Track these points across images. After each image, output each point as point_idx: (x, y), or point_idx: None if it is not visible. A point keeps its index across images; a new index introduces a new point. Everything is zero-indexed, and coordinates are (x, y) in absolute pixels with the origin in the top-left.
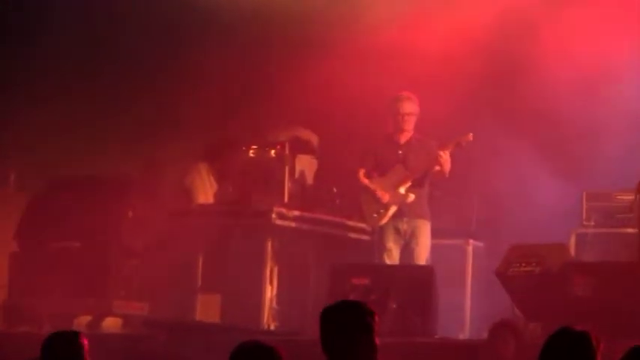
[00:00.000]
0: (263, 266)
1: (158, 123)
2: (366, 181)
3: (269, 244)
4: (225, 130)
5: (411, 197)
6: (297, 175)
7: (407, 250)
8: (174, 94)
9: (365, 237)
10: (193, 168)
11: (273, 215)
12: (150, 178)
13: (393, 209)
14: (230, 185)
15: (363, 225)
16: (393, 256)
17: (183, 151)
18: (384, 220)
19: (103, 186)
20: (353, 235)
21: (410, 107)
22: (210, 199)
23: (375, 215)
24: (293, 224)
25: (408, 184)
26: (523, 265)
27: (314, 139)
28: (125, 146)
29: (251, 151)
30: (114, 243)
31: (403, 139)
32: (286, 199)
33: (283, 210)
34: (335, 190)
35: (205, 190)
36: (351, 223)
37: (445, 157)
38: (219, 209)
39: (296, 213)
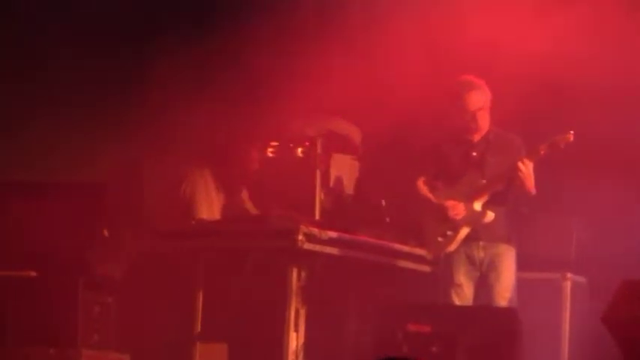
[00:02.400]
0: (286, 306)
1: (144, 111)
2: (427, 192)
3: (294, 276)
4: (235, 123)
5: (490, 216)
6: (332, 182)
7: (483, 285)
8: (164, 77)
9: (425, 268)
10: (194, 172)
11: (300, 237)
12: (132, 186)
13: (465, 231)
14: (242, 196)
15: (422, 252)
16: (464, 293)
17: (178, 149)
18: (453, 246)
19: (68, 194)
20: (409, 265)
21: (479, 100)
22: (216, 215)
23: (441, 239)
24: (327, 249)
25: (486, 197)
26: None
27: (355, 134)
28: (98, 142)
29: (270, 150)
30: (83, 272)
31: (477, 135)
32: (317, 216)
33: (314, 230)
34: (384, 203)
35: (210, 202)
36: (406, 248)
37: (526, 170)
38: (227, 228)
39: (331, 234)
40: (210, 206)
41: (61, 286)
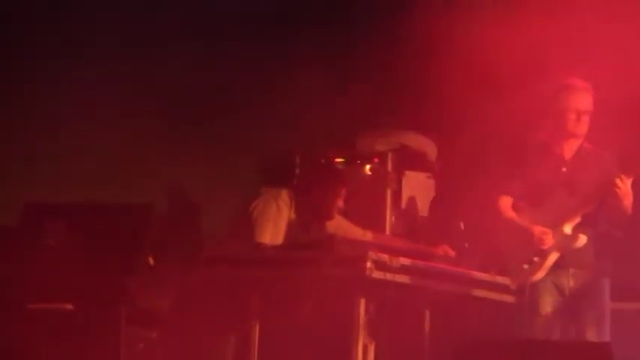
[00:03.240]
0: (352, 341)
1: (202, 121)
2: (512, 214)
3: (361, 308)
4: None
5: (582, 239)
6: (404, 203)
7: (573, 317)
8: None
9: (508, 298)
10: (269, 191)
11: (369, 264)
12: (185, 210)
13: (553, 257)
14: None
15: (505, 280)
16: (550, 326)
17: (240, 167)
18: (540, 274)
19: (109, 216)
20: (489, 295)
21: (586, 102)
22: (279, 240)
23: (526, 266)
24: (398, 278)
25: (577, 219)
26: None
27: (431, 150)
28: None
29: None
30: (125, 304)
31: (569, 150)
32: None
33: (384, 257)
34: (462, 226)
35: (279, 225)
36: (486, 276)
37: (625, 188)
38: (287, 255)
39: (403, 261)
40: (278, 230)
41: (101, 320)
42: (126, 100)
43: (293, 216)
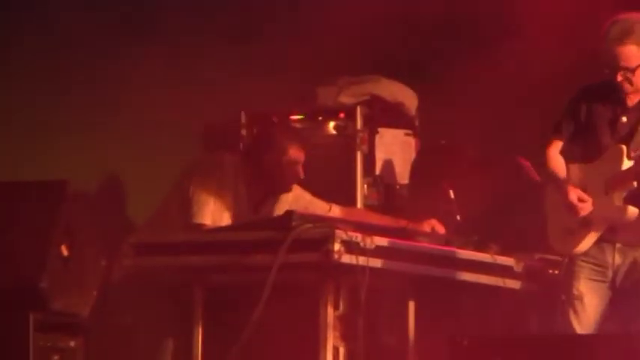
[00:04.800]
0: (319, 343)
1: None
2: (559, 165)
3: (329, 302)
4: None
5: (632, 213)
6: (378, 168)
7: (618, 302)
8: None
9: (511, 283)
10: (209, 161)
11: (336, 246)
12: (103, 184)
13: (600, 228)
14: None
15: (507, 261)
16: (585, 309)
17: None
18: (584, 246)
19: (11, 199)
20: (489, 281)
21: None
22: (223, 220)
23: (567, 235)
24: (374, 263)
25: (632, 185)
26: None
27: (409, 100)
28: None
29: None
30: (34, 307)
31: (634, 97)
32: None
33: (356, 236)
34: (453, 195)
35: (223, 202)
36: (484, 257)
37: None
38: (234, 238)
39: (379, 241)
40: (221, 207)
41: (5, 327)
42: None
43: (240, 189)
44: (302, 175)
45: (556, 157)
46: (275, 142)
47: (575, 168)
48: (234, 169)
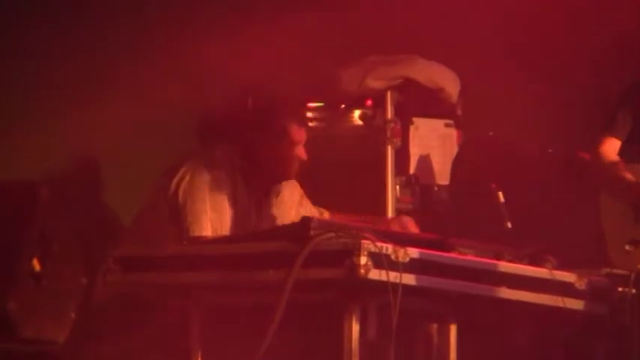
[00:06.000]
0: None
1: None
2: (617, 164)
3: (354, 326)
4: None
5: None
6: (412, 166)
7: None
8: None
9: (573, 303)
10: (199, 156)
11: (363, 260)
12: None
13: None
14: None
15: (569, 277)
16: None
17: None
18: None
19: None
20: (546, 301)
21: None
22: (224, 228)
23: (629, 247)
24: (407, 279)
25: None
26: None
27: (451, 85)
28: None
29: (308, 117)
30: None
31: None
32: (390, 222)
33: (385, 247)
34: (502, 197)
35: (219, 206)
36: (540, 272)
37: None
38: (239, 251)
39: (413, 253)
40: (220, 213)
41: None
42: None
43: (238, 184)
44: (305, 157)
45: (614, 158)
46: (273, 121)
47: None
48: (229, 162)
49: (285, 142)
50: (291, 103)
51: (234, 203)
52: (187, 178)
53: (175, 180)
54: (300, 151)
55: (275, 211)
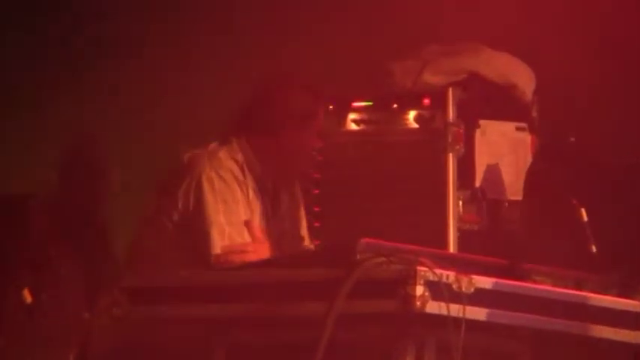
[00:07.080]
0: None
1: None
2: None
3: None
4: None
5: None
6: (479, 178)
7: None
8: None
9: None
10: (215, 161)
11: (419, 290)
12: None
13: None
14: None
15: None
16: None
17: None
18: None
19: None
20: (635, 339)
21: None
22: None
23: None
24: (473, 312)
25: None
26: None
27: (524, 81)
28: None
29: (353, 118)
30: None
31: None
32: (453, 245)
33: (446, 275)
34: (585, 215)
35: (239, 220)
36: (634, 305)
37: None
38: (271, 283)
39: (481, 282)
40: (239, 226)
41: None
42: None
43: (251, 187)
44: (320, 145)
45: None
46: (300, 106)
47: None
48: (242, 160)
49: (309, 130)
50: (319, 89)
51: (251, 209)
52: (199, 186)
53: (181, 191)
54: (316, 141)
55: (287, 210)
